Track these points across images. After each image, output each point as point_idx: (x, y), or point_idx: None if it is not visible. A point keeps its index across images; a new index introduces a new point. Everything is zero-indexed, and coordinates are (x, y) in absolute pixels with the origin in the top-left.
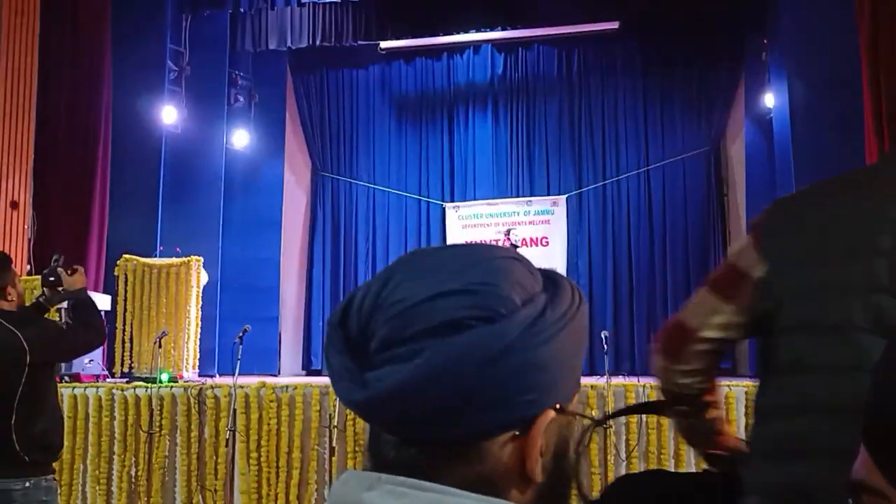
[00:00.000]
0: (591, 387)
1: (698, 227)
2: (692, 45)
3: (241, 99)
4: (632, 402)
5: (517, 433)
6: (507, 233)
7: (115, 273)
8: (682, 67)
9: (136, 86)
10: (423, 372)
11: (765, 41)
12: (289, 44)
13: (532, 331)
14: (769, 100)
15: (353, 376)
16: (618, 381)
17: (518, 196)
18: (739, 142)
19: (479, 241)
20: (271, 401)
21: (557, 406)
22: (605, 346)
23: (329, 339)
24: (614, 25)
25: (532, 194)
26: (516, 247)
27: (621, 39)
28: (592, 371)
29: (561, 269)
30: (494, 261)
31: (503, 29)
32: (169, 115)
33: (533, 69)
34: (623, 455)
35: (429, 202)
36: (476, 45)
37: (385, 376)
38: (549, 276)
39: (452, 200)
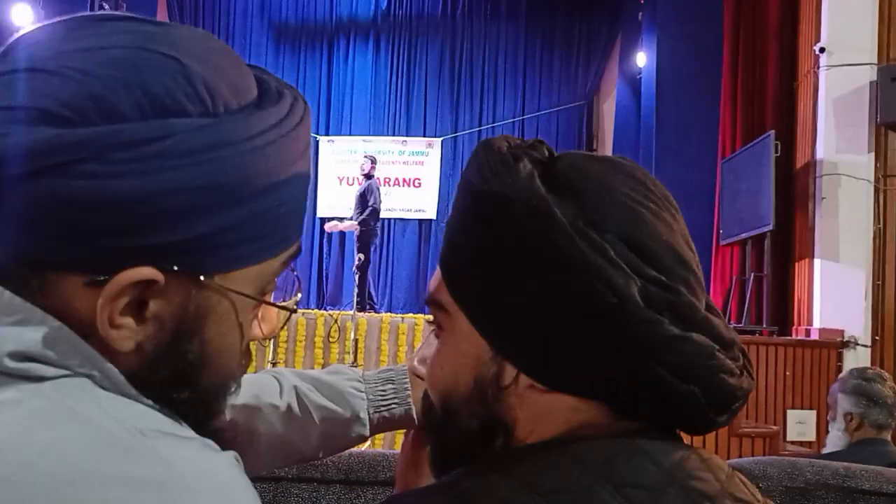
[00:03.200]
0: None
1: None
2: None
3: (107, 8)
4: None
5: (91, 280)
6: (373, 161)
7: None
8: (563, 21)
9: None
10: None
11: (641, 1)
12: None
13: (113, 156)
14: (640, 60)
15: None
16: None
17: (394, 135)
18: (611, 99)
19: (350, 178)
20: None
21: (177, 269)
22: None
23: None
24: None
25: (408, 134)
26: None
27: None
28: None
29: (431, 211)
30: (151, 54)
31: None
32: (23, 16)
33: (417, 7)
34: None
35: None
36: None
37: None
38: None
39: (327, 134)
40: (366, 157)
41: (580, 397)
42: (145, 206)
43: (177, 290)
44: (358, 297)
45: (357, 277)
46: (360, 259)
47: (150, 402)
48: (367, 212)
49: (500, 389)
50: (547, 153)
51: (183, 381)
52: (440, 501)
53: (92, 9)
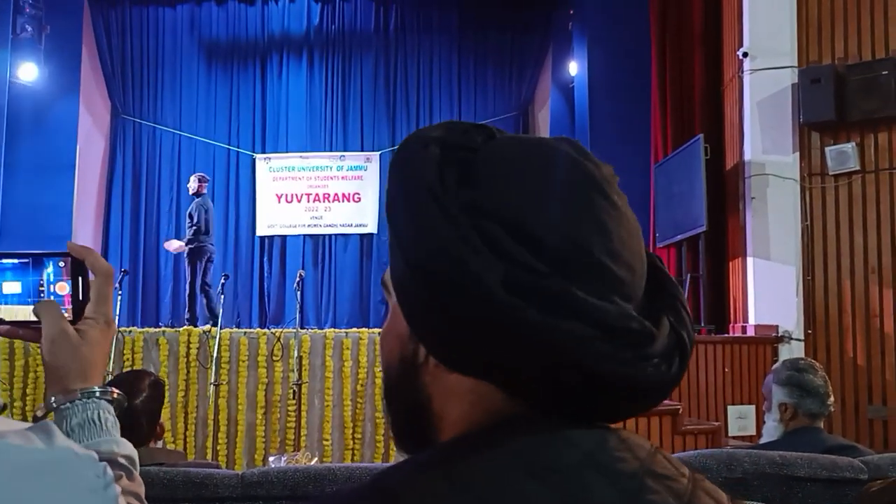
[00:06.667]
0: (379, 333)
1: None
2: (505, 10)
3: (30, 28)
4: None
5: None
6: (201, 179)
7: None
8: (495, 32)
9: None
10: None
11: (571, 11)
12: None
13: None
14: (572, 69)
15: None
16: None
17: (331, 150)
18: (546, 108)
19: (289, 195)
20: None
21: None
22: None
23: None
24: None
25: (346, 149)
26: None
27: None
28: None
29: (372, 225)
30: None
31: None
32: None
33: (350, 22)
34: None
35: (238, 152)
36: None
37: None
38: None
39: (263, 151)
40: (194, 175)
41: (476, 379)
42: None
43: None
44: (193, 313)
45: (204, 296)
46: (189, 276)
47: None
48: (191, 231)
49: (416, 367)
50: (481, 139)
51: None
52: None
53: (14, 31)
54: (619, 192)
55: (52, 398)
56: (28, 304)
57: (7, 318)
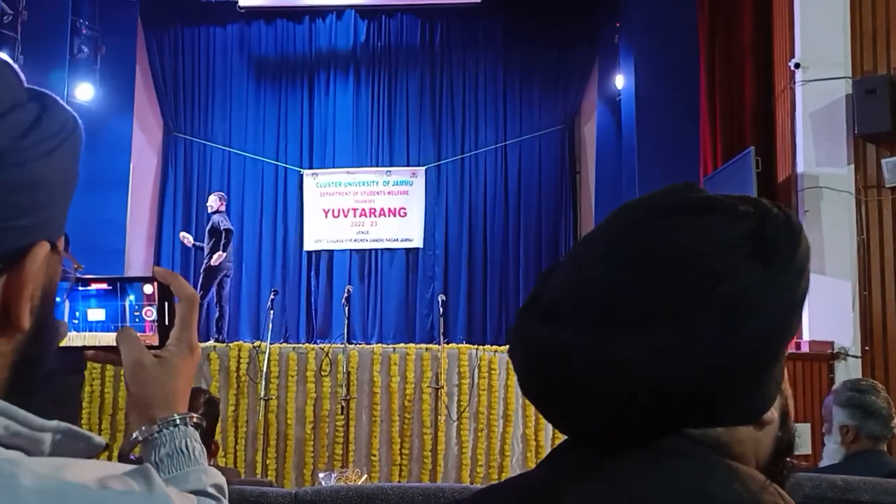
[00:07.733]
0: (427, 349)
1: (551, 202)
2: (551, 24)
3: (86, 49)
4: (465, 366)
5: (0, 266)
6: (221, 198)
7: None
8: (541, 46)
9: None
10: None
11: (617, 24)
12: None
13: (24, 141)
14: (619, 82)
15: None
16: (453, 344)
17: (377, 166)
18: (592, 122)
19: (335, 210)
20: (94, 367)
21: (50, 241)
22: (441, 308)
23: None
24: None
25: (391, 164)
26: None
27: (484, 14)
28: (431, 336)
29: (418, 239)
30: None
31: None
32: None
33: (396, 38)
34: (454, 416)
35: (286, 168)
36: (339, 10)
37: None
38: (36, 91)
39: (311, 167)
40: (213, 194)
41: None
42: (51, 184)
43: (47, 259)
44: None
45: (218, 308)
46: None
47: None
48: (220, 245)
49: None
50: None
51: (44, 346)
52: None
53: (71, 52)
54: (653, 230)
55: (140, 428)
56: (112, 330)
57: (91, 345)
